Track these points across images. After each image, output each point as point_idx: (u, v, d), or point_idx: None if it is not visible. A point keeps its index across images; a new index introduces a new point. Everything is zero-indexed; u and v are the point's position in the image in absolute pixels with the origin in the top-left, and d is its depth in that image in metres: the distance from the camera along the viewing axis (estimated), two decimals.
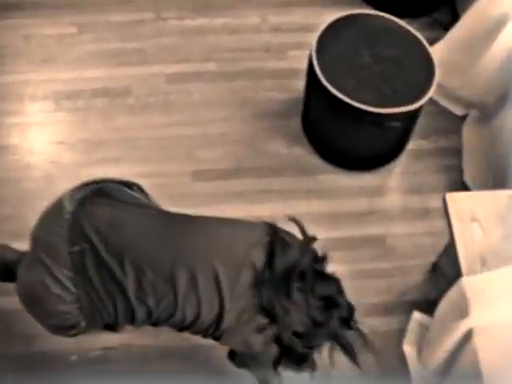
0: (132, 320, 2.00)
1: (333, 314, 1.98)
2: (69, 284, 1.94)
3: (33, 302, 2.06)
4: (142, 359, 2.70)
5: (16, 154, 3.23)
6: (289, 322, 1.92)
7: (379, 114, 2.79)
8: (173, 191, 3.06)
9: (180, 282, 1.90)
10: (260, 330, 1.93)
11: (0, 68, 3.51)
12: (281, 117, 3.34)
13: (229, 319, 1.94)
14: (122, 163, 3.16)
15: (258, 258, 1.93)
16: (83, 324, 2.02)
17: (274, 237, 1.97)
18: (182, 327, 2.04)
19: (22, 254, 2.19)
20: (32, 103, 3.40)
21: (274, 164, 3.18)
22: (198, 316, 1.94)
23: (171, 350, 2.70)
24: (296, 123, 3.31)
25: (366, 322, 2.68)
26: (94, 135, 3.28)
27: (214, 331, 1.99)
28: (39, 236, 2.05)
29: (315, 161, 3.21)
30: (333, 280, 2.08)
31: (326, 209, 3.06)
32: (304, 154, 3.23)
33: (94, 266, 1.93)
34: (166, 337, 2.65)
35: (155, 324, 2.06)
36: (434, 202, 3.05)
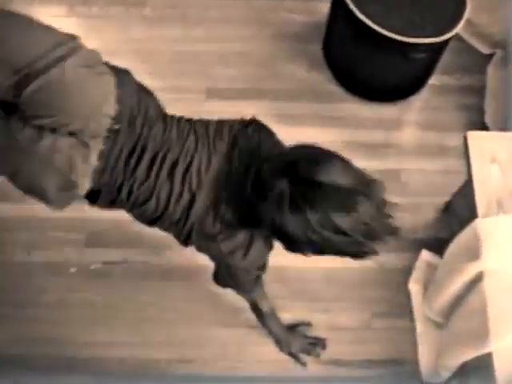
0: (114, 199, 1.95)
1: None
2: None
3: None
4: (142, 275, 2.67)
5: None
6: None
7: (404, 43, 2.67)
8: (186, 107, 2.94)
9: (163, 168, 1.87)
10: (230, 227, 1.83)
11: None
12: (301, 40, 3.23)
13: (197, 211, 1.87)
14: (134, 75, 3.06)
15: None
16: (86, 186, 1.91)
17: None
18: (152, 218, 1.96)
19: None
20: (43, 6, 3.31)
21: (291, 87, 3.09)
22: (167, 205, 1.89)
23: (172, 268, 2.67)
24: (317, 48, 3.20)
25: (376, 258, 2.70)
26: (106, 44, 3.12)
27: (184, 225, 1.91)
28: None
29: (333, 88, 3.11)
30: None
31: (341, 138, 2.96)
32: (323, 79, 3.13)
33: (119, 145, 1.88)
34: (168, 256, 2.63)
35: (130, 210, 1.99)
36: (452, 141, 2.98)
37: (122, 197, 1.91)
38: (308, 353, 2.55)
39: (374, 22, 2.66)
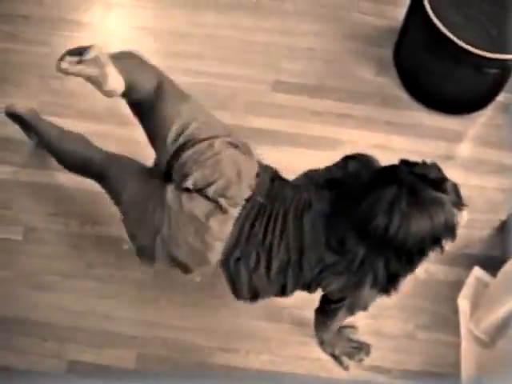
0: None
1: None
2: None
3: None
4: None
5: (91, 32, 3.18)
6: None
7: (479, 56, 2.64)
8: (251, 98, 2.99)
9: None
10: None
11: None
12: (372, 42, 3.20)
13: None
14: (203, 59, 3.09)
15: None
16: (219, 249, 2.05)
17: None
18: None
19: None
20: None
21: (357, 89, 3.07)
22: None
23: None
24: (387, 52, 3.17)
25: (427, 268, 2.70)
26: (178, 26, 3.19)
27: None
28: None
29: (400, 94, 3.09)
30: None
31: (404, 145, 2.95)
32: (390, 85, 3.11)
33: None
34: None
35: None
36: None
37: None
38: (351, 356, 2.55)
39: (451, 31, 2.64)
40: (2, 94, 2.97)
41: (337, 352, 2.54)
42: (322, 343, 2.54)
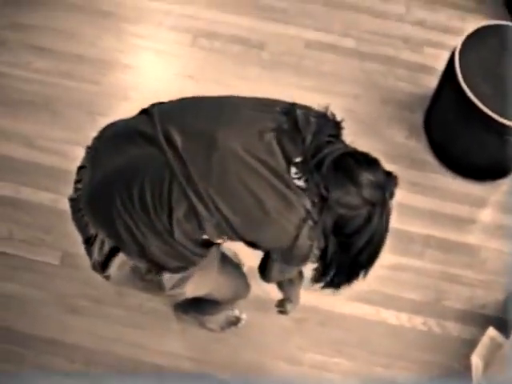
0: None
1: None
2: None
3: None
4: None
5: (140, 75, 3.38)
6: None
7: (503, 125, 2.78)
8: None
9: None
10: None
11: None
12: (405, 107, 3.36)
13: None
14: None
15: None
16: None
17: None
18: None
19: None
20: (169, 33, 3.52)
21: (387, 150, 3.20)
22: None
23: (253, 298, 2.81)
24: (418, 117, 3.33)
25: (442, 324, 2.80)
26: (222, 77, 3.36)
27: None
28: None
29: (428, 157, 3.23)
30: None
31: (428, 206, 3.09)
32: (419, 148, 3.25)
33: None
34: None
35: None
36: None
37: None
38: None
39: (479, 99, 2.79)
40: (52, 126, 3.16)
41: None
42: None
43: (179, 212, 1.74)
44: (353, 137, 3.17)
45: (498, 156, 3.10)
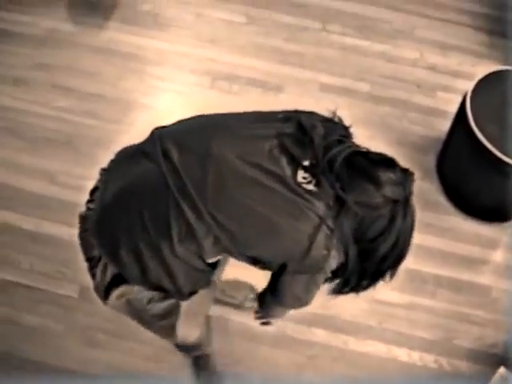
0: None
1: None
2: None
3: None
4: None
5: (159, 115, 3.45)
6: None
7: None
8: None
9: None
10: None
11: (166, 36, 3.78)
12: (418, 150, 3.44)
13: None
14: None
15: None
16: None
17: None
18: None
19: None
20: (188, 75, 3.64)
21: None
22: None
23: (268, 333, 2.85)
24: (430, 159, 3.41)
25: (453, 362, 2.83)
26: None
27: None
28: None
29: (440, 199, 3.30)
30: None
31: (441, 246, 3.15)
32: (432, 189, 3.32)
33: None
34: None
35: None
36: None
37: None
38: None
39: (488, 141, 2.85)
40: (72, 162, 3.27)
41: None
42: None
43: (176, 229, 1.69)
44: None
45: (508, 198, 3.16)
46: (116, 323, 2.86)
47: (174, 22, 3.82)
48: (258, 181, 1.66)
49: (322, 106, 3.49)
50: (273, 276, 1.94)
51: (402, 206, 1.67)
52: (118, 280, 1.87)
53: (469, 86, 3.00)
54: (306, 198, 1.64)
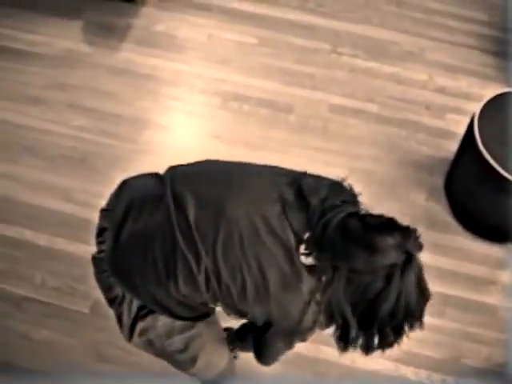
0: None
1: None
2: None
3: None
4: None
5: (172, 135, 3.55)
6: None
7: None
8: None
9: None
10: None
11: (179, 57, 3.86)
12: (425, 170, 3.49)
13: None
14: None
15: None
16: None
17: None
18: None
19: None
20: (200, 96, 3.71)
21: (408, 211, 3.32)
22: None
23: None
24: (438, 180, 3.45)
25: (461, 382, 2.86)
26: (250, 139, 3.53)
27: None
28: None
29: (448, 219, 3.34)
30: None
31: (449, 266, 3.18)
32: (439, 210, 3.36)
33: None
34: None
35: None
36: None
37: None
38: None
39: (496, 162, 2.90)
40: (88, 181, 3.34)
41: None
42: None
43: (182, 278, 1.81)
44: (373, 198, 3.33)
45: None
46: None
47: (187, 43, 3.91)
48: (266, 245, 1.73)
49: (331, 127, 3.60)
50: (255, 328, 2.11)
51: (400, 266, 1.63)
52: (143, 311, 1.96)
53: (477, 107, 3.05)
54: (299, 273, 1.70)
